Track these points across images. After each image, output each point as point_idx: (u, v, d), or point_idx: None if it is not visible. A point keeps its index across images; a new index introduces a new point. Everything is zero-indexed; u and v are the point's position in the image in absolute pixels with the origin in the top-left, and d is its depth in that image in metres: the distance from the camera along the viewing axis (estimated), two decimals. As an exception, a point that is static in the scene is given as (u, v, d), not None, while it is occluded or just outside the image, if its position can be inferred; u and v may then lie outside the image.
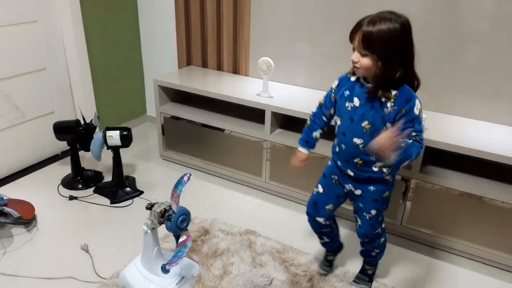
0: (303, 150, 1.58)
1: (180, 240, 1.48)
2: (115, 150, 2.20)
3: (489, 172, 1.89)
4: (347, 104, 1.40)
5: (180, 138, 2.57)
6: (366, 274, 1.72)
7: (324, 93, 1.54)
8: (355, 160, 1.44)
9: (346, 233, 2.02)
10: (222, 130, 2.37)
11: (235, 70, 2.64)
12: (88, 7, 2.56)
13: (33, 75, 2.44)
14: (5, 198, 2.00)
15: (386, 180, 1.48)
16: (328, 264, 1.77)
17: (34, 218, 2.07)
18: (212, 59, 2.68)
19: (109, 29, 2.75)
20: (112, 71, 2.86)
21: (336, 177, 1.55)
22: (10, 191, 2.29)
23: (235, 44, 2.57)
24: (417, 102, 1.33)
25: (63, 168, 2.52)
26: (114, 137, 2.14)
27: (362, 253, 1.69)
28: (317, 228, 1.65)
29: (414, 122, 1.32)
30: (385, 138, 1.22)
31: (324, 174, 1.59)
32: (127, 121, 3.09)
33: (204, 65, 2.75)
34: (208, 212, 2.18)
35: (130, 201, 2.24)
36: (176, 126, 2.53)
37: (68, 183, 2.37)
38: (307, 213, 1.64)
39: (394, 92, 1.31)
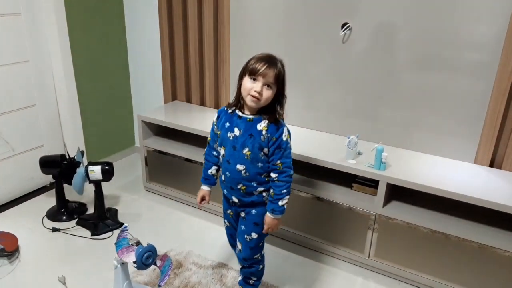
0: (204, 188, 1.75)
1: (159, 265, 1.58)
2: (97, 184, 2.30)
3: (453, 207, 1.95)
4: (229, 134, 1.57)
5: (162, 170, 2.66)
6: None
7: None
8: (239, 186, 1.59)
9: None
10: (195, 161, 2.46)
11: (217, 106, 2.77)
12: (78, 45, 2.71)
13: (23, 111, 2.57)
14: (-11, 230, 2.09)
15: (263, 202, 1.64)
16: None
17: (17, 250, 2.15)
18: (196, 95, 2.81)
19: (98, 64, 2.90)
20: (101, 105, 3.00)
21: (229, 211, 1.72)
22: (-3, 222, 2.38)
23: (216, 81, 2.70)
24: (285, 130, 1.55)
25: (50, 200, 2.61)
26: (95, 171, 2.24)
27: (241, 282, 1.83)
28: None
29: (282, 149, 1.54)
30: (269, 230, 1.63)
31: (224, 210, 1.77)
32: (116, 152, 3.20)
33: (188, 100, 2.88)
34: (185, 244, 2.25)
35: (110, 233, 2.32)
36: (159, 159, 2.64)
37: (53, 215, 2.46)
38: (231, 245, 1.84)
39: (266, 122, 1.53)
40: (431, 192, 1.83)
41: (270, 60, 1.48)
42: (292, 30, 2.34)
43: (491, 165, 2.03)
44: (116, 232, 2.34)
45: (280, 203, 1.57)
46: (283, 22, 2.36)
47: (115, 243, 1.57)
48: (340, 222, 2.09)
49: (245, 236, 1.66)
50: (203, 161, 1.74)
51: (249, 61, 1.51)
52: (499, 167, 2.02)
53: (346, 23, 2.15)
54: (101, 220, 2.35)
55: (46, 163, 2.37)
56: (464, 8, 1.89)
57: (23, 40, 2.48)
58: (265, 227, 1.63)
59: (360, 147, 2.13)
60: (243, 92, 1.51)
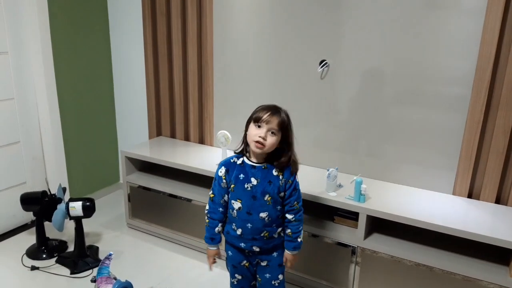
0: (212, 248, 1.67)
1: None
2: (78, 220, 2.27)
3: (435, 239, 1.95)
4: (246, 186, 1.56)
5: (146, 206, 2.64)
6: None
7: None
8: (262, 234, 1.58)
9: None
10: (180, 197, 2.46)
11: (201, 141, 2.79)
12: (63, 83, 2.76)
13: (7, 148, 2.58)
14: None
15: (282, 242, 1.67)
16: None
17: (-8, 290, 2.09)
18: (180, 131, 2.85)
19: (84, 102, 2.94)
20: (86, 142, 3.01)
21: (245, 262, 1.66)
22: (-26, 262, 2.33)
23: (200, 117, 2.75)
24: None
25: (31, 238, 2.56)
26: (76, 208, 2.22)
27: None
28: None
29: (296, 190, 1.62)
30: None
31: (233, 266, 1.69)
32: (101, 189, 3.18)
33: (173, 135, 2.91)
34: (167, 281, 2.20)
35: (90, 271, 2.27)
36: (142, 195, 2.62)
37: (33, 252, 2.41)
38: None
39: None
40: (411, 223, 1.84)
41: (274, 109, 1.54)
42: (275, 68, 2.41)
43: (470, 196, 2.06)
44: (96, 270, 2.28)
45: (299, 239, 1.63)
46: (264, 60, 2.44)
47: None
48: (323, 255, 2.07)
49: (273, 282, 1.66)
50: (206, 219, 1.67)
51: (255, 110, 1.57)
52: (477, 198, 2.04)
53: (324, 60, 2.23)
54: (81, 257, 2.30)
55: (27, 200, 2.35)
56: (439, 45, 1.97)
57: (9, 78, 2.52)
58: (288, 264, 1.66)
59: (342, 180, 2.15)
60: (249, 139, 1.54)
